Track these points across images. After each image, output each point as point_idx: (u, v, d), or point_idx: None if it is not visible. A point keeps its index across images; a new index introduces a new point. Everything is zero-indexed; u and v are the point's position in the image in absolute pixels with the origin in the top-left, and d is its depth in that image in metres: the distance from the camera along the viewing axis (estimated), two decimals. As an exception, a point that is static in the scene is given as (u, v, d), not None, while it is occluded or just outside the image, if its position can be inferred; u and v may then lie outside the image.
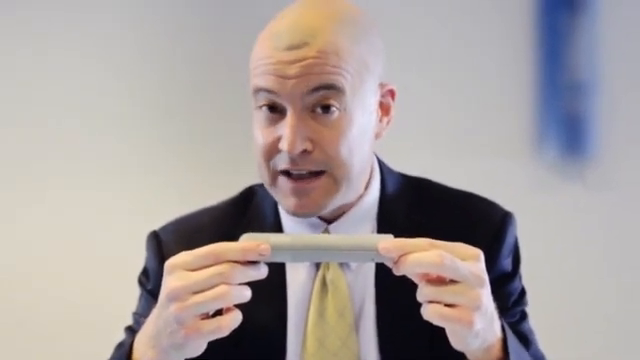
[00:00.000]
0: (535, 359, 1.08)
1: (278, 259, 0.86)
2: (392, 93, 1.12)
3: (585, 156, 2.18)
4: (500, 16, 2.19)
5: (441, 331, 0.87)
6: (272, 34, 1.04)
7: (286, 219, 1.13)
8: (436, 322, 0.85)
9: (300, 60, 1.01)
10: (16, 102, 2.17)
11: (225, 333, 0.86)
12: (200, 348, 0.88)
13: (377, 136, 1.10)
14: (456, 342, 0.87)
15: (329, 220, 1.10)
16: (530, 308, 1.18)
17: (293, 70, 1.01)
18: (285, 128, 1.02)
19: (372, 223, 1.12)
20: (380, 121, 1.10)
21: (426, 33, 2.18)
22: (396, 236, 0.87)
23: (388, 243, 0.85)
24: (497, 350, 0.92)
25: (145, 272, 1.17)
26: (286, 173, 1.04)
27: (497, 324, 0.91)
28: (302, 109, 1.02)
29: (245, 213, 1.16)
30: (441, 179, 1.21)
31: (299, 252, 0.86)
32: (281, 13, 1.07)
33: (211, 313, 0.88)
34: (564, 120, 2.17)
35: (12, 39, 2.17)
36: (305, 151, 1.02)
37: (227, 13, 2.20)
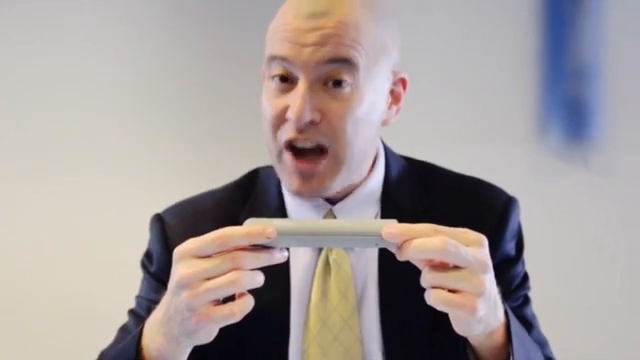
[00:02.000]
0: (537, 343, 1.08)
1: (282, 244, 0.86)
2: (404, 82, 1.11)
3: (588, 142, 2.18)
4: (504, 3, 2.18)
5: (443, 315, 0.87)
6: (293, 2, 1.03)
7: (290, 201, 1.13)
8: (439, 308, 0.84)
9: (319, 29, 1.00)
10: (22, 101, 2.17)
11: (238, 319, 0.86)
12: (211, 335, 0.88)
13: (384, 123, 1.10)
14: (459, 327, 0.87)
15: (333, 201, 1.10)
16: (533, 292, 1.18)
17: (310, 38, 1.00)
18: (294, 97, 1.01)
19: (376, 206, 1.12)
20: (389, 108, 1.10)
21: (430, 21, 2.17)
22: (400, 219, 0.87)
23: (392, 228, 0.84)
24: (500, 335, 0.93)
25: (148, 255, 1.17)
26: (291, 148, 1.04)
27: (500, 309, 0.91)
28: (314, 80, 1.01)
29: (248, 196, 1.16)
30: (445, 164, 1.21)
31: (303, 237, 0.86)
32: None
33: (222, 299, 0.87)
34: (567, 106, 2.17)
35: (24, 37, 2.16)
36: (312, 122, 1.01)
37: (232, 10, 2.19)
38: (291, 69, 1.02)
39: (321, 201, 1.10)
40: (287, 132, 1.03)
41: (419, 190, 1.14)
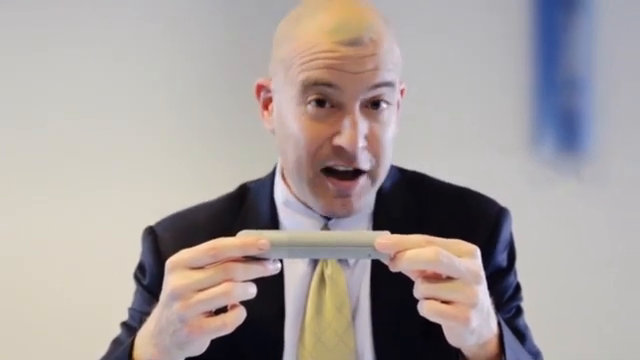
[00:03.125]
0: (530, 354, 1.08)
1: (275, 255, 0.86)
2: (402, 92, 1.13)
3: (581, 152, 2.18)
4: (496, 13, 2.19)
5: (436, 326, 0.87)
6: (322, 26, 1.02)
7: (284, 215, 1.13)
8: (432, 319, 0.84)
9: (367, 56, 1.01)
10: (26, 104, 2.16)
11: (229, 330, 0.85)
12: (203, 346, 0.88)
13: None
14: (452, 338, 0.87)
15: (329, 216, 1.10)
16: (525, 304, 1.18)
17: (361, 66, 1.01)
18: (345, 125, 1.01)
19: (369, 219, 1.13)
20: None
21: (423, 31, 2.18)
22: (393, 230, 0.87)
23: (385, 239, 0.84)
24: (493, 346, 0.92)
25: (141, 267, 1.17)
26: (328, 171, 1.04)
27: (493, 320, 0.91)
28: (360, 104, 1.02)
29: (240, 209, 1.16)
30: (437, 174, 1.21)
31: (296, 248, 0.86)
32: (310, 7, 1.06)
33: (214, 310, 0.87)
34: (560, 117, 2.18)
35: (27, 42, 2.16)
36: (362, 148, 1.02)
37: (240, 13, 2.20)
38: (335, 95, 1.01)
39: (316, 215, 1.10)
40: (332, 159, 1.03)
41: (411, 201, 1.14)
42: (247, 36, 2.16)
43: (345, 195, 1.04)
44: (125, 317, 1.17)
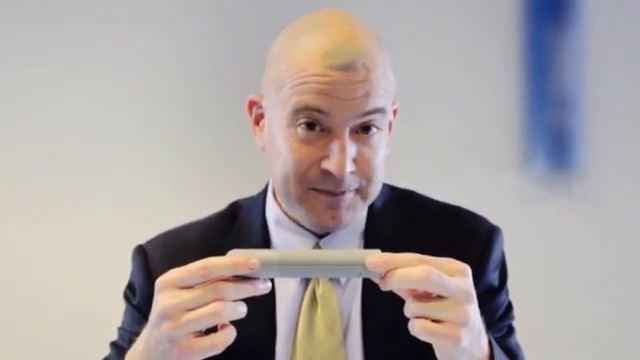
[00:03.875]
0: (522, 374, 1.08)
1: (266, 274, 0.85)
2: (395, 111, 1.13)
3: (572, 170, 2.19)
4: (486, 31, 2.20)
5: (427, 345, 0.87)
6: (314, 49, 1.01)
7: (275, 233, 1.13)
8: (423, 338, 0.84)
9: (359, 82, 1.00)
10: (30, 115, 2.16)
11: (219, 351, 0.85)
12: None
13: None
14: (443, 358, 0.87)
15: (320, 235, 1.10)
16: (517, 322, 1.17)
17: (352, 92, 1.00)
18: (333, 149, 1.01)
19: (361, 238, 1.13)
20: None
21: (412, 49, 2.18)
22: (384, 249, 0.87)
23: (375, 258, 0.84)
24: (484, 365, 0.92)
25: (131, 287, 1.16)
26: (316, 189, 1.04)
27: (484, 339, 0.90)
28: (350, 129, 1.02)
29: (232, 227, 1.16)
30: (428, 192, 1.21)
31: (287, 267, 0.85)
32: (305, 26, 1.06)
33: (204, 330, 0.86)
34: (551, 134, 2.18)
35: (36, 57, 2.16)
36: (350, 172, 1.02)
37: (230, 34, 2.20)
38: (325, 120, 1.01)
39: (307, 233, 1.10)
40: (319, 182, 1.03)
41: (402, 219, 1.14)
42: (240, 54, 2.16)
43: (334, 207, 1.04)
44: (114, 337, 1.16)
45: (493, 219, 1.17)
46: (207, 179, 2.16)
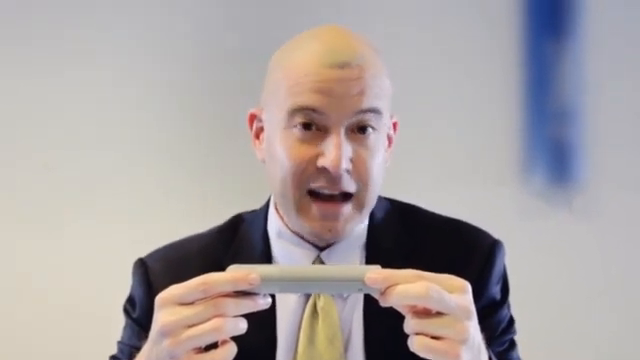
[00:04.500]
0: (523, 388, 1.08)
1: (266, 290, 0.85)
2: (395, 125, 1.13)
3: (572, 183, 2.19)
4: (486, 44, 2.20)
5: (428, 360, 0.87)
6: (311, 52, 1.03)
7: (277, 246, 1.13)
8: (422, 354, 0.84)
9: (353, 79, 1.01)
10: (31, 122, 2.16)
11: None
12: None
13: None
14: (443, 375, 0.87)
15: (321, 247, 1.10)
16: (518, 336, 1.17)
17: (344, 89, 1.01)
18: (329, 146, 1.02)
19: (362, 250, 1.12)
20: (386, 151, 1.11)
21: (412, 61, 2.18)
22: (384, 261, 0.87)
23: (375, 274, 0.84)
24: (484, 382, 0.92)
25: (131, 300, 1.16)
26: (314, 194, 1.04)
27: (484, 356, 0.90)
28: (346, 129, 1.02)
29: (232, 241, 1.16)
30: (428, 206, 1.21)
31: (287, 283, 0.85)
32: (302, 38, 1.07)
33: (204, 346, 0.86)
34: (551, 147, 2.18)
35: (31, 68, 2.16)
36: (347, 171, 1.03)
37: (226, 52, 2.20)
38: (320, 119, 1.02)
39: (309, 245, 1.10)
40: (317, 181, 1.03)
41: (402, 232, 1.14)
42: (234, 63, 2.16)
43: (331, 219, 1.04)
44: (109, 344, 1.16)
45: (493, 232, 1.17)
46: (202, 188, 2.16)
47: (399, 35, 2.18)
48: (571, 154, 2.18)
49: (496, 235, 1.17)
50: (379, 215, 1.14)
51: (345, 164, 1.02)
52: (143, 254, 1.18)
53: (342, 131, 1.02)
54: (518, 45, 2.20)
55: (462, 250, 1.13)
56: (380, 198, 1.17)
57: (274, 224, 1.13)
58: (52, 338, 2.12)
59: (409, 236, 1.14)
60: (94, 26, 2.15)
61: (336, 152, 1.01)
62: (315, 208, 1.04)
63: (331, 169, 1.01)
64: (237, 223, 1.18)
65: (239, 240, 1.15)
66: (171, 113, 2.18)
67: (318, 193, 1.04)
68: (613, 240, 2.19)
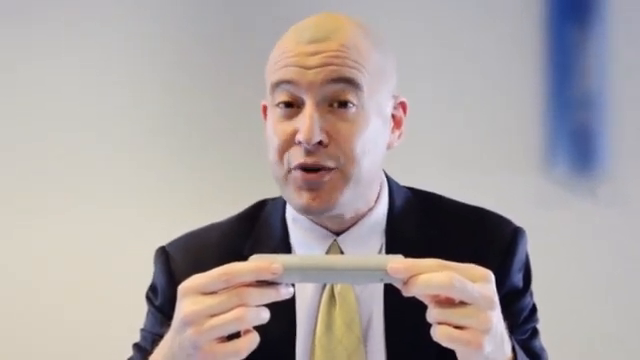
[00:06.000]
0: (546, 377, 1.08)
1: (288, 280, 0.85)
2: (404, 106, 1.13)
3: (595, 171, 2.17)
4: (509, 30, 2.19)
5: (450, 350, 0.86)
6: (294, 31, 1.06)
7: (294, 233, 1.13)
8: (445, 344, 0.84)
9: (322, 51, 1.03)
10: (24, 117, 2.18)
11: (243, 356, 0.85)
12: None
13: (389, 146, 1.11)
14: (465, 363, 0.86)
15: (337, 232, 1.10)
16: (541, 325, 1.17)
17: (314, 60, 1.03)
18: (302, 119, 1.03)
19: (381, 237, 1.12)
20: (392, 132, 1.11)
21: (434, 48, 2.18)
22: (405, 250, 0.87)
23: (397, 264, 0.84)
24: (507, 371, 0.92)
25: (153, 288, 1.17)
26: (299, 168, 1.04)
27: (507, 345, 0.90)
28: (320, 101, 1.03)
29: (253, 228, 1.16)
30: (450, 194, 1.20)
31: (309, 272, 0.85)
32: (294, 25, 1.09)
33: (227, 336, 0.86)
34: (574, 135, 2.17)
35: (26, 56, 2.17)
36: (321, 143, 1.03)
37: (237, 22, 2.21)
38: (296, 93, 1.03)
39: (324, 230, 1.10)
40: (296, 156, 1.04)
41: (424, 221, 1.14)
42: (234, 55, 2.16)
43: (315, 187, 1.04)
44: (136, 338, 1.17)
45: (515, 221, 1.17)
46: (204, 176, 2.17)
47: (422, 21, 2.17)
48: (595, 142, 2.17)
49: (518, 223, 1.17)
50: (399, 202, 1.13)
51: (318, 136, 1.02)
52: (145, 242, 1.19)
53: (314, 102, 1.03)
54: (541, 31, 2.18)
55: (484, 238, 1.13)
56: (400, 187, 1.17)
57: (290, 209, 1.14)
58: (52, 321, 2.13)
59: (430, 224, 1.14)
60: (91, 13, 2.17)
61: (307, 123, 1.02)
62: (299, 180, 1.04)
63: (302, 139, 1.02)
64: (258, 210, 1.19)
65: (259, 227, 1.16)
66: (173, 100, 2.19)
67: (303, 167, 1.05)
68: (636, 228, 2.17)
